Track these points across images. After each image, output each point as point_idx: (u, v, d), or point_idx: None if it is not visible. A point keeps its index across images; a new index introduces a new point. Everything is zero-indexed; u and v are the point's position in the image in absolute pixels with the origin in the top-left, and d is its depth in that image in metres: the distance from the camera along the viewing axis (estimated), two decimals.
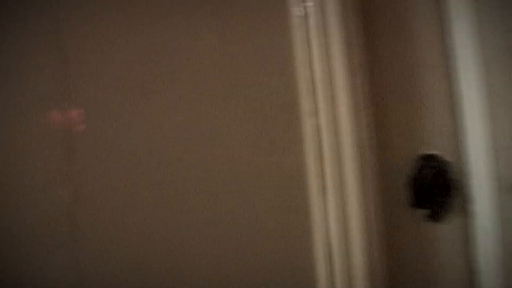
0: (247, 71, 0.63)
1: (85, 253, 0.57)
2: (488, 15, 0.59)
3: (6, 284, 0.55)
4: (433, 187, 0.64)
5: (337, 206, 0.62)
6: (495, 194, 0.60)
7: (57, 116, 0.58)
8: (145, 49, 0.61)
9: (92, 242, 0.57)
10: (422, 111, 0.64)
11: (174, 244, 0.60)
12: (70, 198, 0.57)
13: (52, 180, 0.57)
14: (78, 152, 0.58)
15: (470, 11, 0.60)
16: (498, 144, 0.60)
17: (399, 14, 0.65)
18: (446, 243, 0.65)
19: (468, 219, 0.64)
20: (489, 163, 0.60)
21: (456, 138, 0.63)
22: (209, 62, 0.62)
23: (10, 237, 0.55)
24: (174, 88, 0.61)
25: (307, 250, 0.63)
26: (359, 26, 0.63)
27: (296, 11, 0.64)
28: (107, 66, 0.60)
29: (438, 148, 0.64)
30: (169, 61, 0.61)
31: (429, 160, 0.64)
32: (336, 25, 0.62)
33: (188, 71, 0.62)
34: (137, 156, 0.60)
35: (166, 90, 0.61)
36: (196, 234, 0.61)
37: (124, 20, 0.60)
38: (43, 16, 0.59)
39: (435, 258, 0.65)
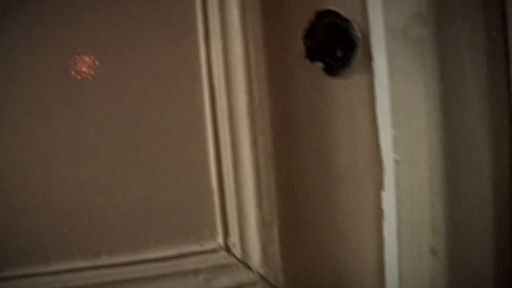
0: None
1: None
2: None
3: None
4: (328, 40, 0.60)
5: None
6: (393, 49, 0.57)
7: None
8: None
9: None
10: None
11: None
12: None
13: None
14: None
15: None
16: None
17: None
18: (344, 98, 0.60)
19: (367, 76, 0.60)
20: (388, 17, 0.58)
21: None
22: None
23: None
24: None
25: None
26: None
27: None
28: None
29: (335, 4, 0.61)
30: None
31: (326, 15, 0.61)
32: None
33: None
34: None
35: None
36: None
37: None
38: None
39: (332, 114, 0.59)
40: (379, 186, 0.61)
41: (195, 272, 0.55)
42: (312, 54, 0.59)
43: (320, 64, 0.59)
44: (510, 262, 0.57)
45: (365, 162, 0.60)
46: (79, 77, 0.54)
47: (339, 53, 0.60)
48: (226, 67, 0.55)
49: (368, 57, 0.60)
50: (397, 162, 0.57)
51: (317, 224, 0.60)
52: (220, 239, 0.56)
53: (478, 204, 0.55)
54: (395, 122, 0.57)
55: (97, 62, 0.54)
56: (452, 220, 0.54)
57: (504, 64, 0.54)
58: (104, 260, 0.54)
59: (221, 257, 0.56)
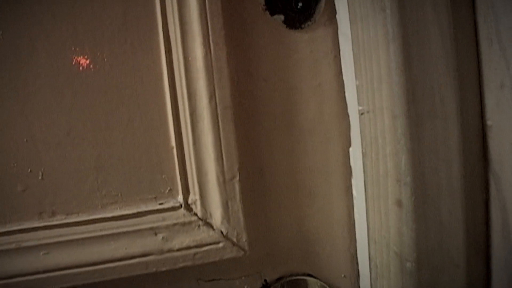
0: None
1: None
2: None
3: None
4: None
5: None
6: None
7: None
8: None
9: None
10: None
11: None
12: None
13: None
14: None
15: None
16: None
17: None
18: (308, 52, 0.58)
19: (331, 28, 0.59)
20: None
21: None
22: None
23: None
24: None
25: None
26: None
27: None
28: None
29: None
30: None
31: None
32: None
33: None
34: None
35: None
36: None
37: None
38: None
39: (296, 68, 0.58)
40: (347, 142, 0.59)
41: (154, 230, 0.54)
42: (272, 7, 0.58)
43: (280, 17, 0.58)
44: (480, 214, 0.55)
45: (332, 117, 0.59)
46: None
47: (299, 5, 0.58)
48: (181, 20, 0.53)
49: (332, 9, 0.58)
50: (361, 113, 0.55)
51: (283, 181, 0.58)
52: (180, 197, 0.55)
53: (445, 153, 0.53)
54: (357, 72, 0.55)
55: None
56: (418, 170, 0.52)
57: (469, 4, 0.52)
58: (60, 219, 0.53)
59: (181, 215, 0.54)
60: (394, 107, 0.51)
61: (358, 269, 0.61)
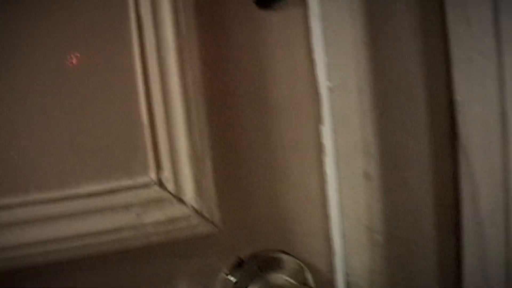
0: None
1: None
2: None
3: None
4: None
5: None
6: None
7: None
8: None
9: None
10: None
11: None
12: None
13: None
14: None
15: None
16: None
17: None
18: (279, 31, 0.59)
19: (301, 8, 0.59)
20: None
21: None
22: None
23: None
24: None
25: None
26: None
27: None
28: None
29: None
30: None
31: None
32: None
33: None
34: None
35: None
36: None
37: None
38: None
39: (268, 48, 0.58)
40: (319, 119, 0.60)
41: (127, 206, 0.54)
42: None
43: None
44: (449, 187, 0.55)
45: (304, 95, 0.60)
46: None
47: None
48: None
49: None
50: (330, 89, 0.56)
51: (256, 158, 0.59)
52: (152, 174, 0.56)
53: (412, 127, 0.54)
54: (327, 49, 0.56)
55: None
56: (385, 144, 0.53)
57: None
58: (34, 196, 0.54)
59: (154, 192, 0.55)
60: (360, 81, 0.52)
61: (332, 246, 0.61)
